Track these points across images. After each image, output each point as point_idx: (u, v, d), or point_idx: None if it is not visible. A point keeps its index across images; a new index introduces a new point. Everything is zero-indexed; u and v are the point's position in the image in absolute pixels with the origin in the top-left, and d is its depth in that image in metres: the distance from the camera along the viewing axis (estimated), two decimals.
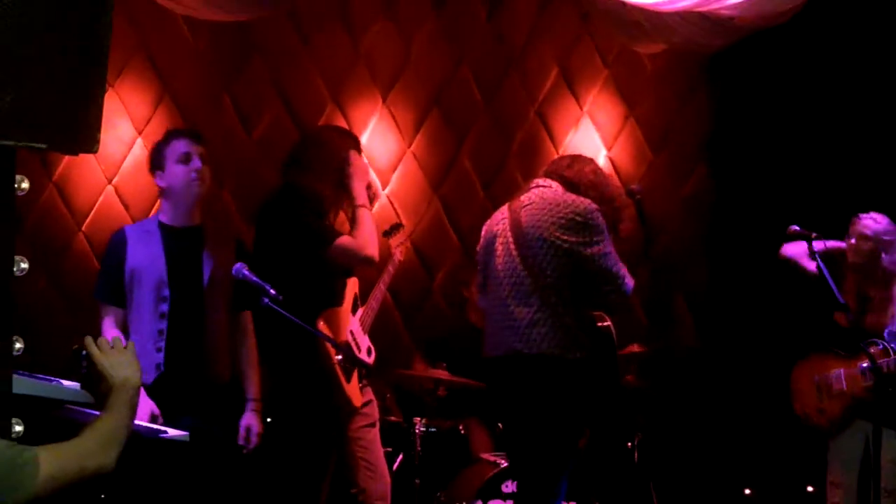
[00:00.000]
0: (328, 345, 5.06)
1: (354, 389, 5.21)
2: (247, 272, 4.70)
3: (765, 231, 5.43)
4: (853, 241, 5.78)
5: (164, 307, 4.90)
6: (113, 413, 3.01)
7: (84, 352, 3.09)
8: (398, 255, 5.84)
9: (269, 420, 5.15)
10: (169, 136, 5.10)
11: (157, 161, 5.06)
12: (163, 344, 4.88)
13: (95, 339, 3.13)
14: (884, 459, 5.46)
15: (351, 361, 5.15)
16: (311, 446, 5.13)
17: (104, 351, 3.09)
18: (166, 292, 4.91)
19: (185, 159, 4.99)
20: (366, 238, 5.11)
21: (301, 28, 6.87)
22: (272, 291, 4.61)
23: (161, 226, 5.03)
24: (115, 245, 5.04)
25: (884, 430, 5.49)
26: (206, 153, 5.06)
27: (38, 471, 2.79)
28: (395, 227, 5.91)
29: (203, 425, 4.75)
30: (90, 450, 2.92)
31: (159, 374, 4.89)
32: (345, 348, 5.10)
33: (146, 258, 4.95)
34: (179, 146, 5.01)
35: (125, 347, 3.12)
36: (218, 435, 4.90)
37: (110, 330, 4.92)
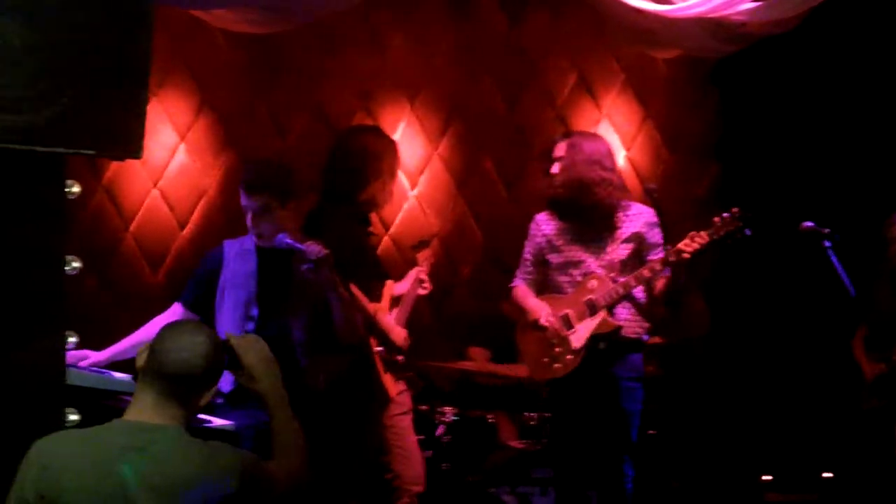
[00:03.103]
0: (371, 336, 5.11)
1: (390, 380, 5.25)
2: (289, 240, 4.66)
3: (774, 228, 5.44)
4: None
5: (251, 326, 4.84)
6: (290, 425, 3.13)
7: (226, 345, 3.14)
8: (426, 267, 5.80)
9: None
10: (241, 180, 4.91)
11: None
12: None
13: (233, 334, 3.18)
14: None
15: (390, 351, 5.20)
16: (347, 430, 5.16)
17: (248, 351, 3.13)
18: (255, 311, 4.86)
19: (245, 213, 4.84)
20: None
21: (330, 41, 6.89)
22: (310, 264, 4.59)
23: (257, 246, 4.94)
24: (212, 258, 4.97)
25: None
26: (263, 202, 4.80)
27: (276, 484, 2.95)
28: (422, 243, 5.90)
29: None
30: (296, 464, 3.07)
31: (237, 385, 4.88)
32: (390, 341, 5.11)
33: (240, 276, 4.89)
34: (241, 196, 4.85)
35: (262, 348, 3.16)
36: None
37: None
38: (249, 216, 4.81)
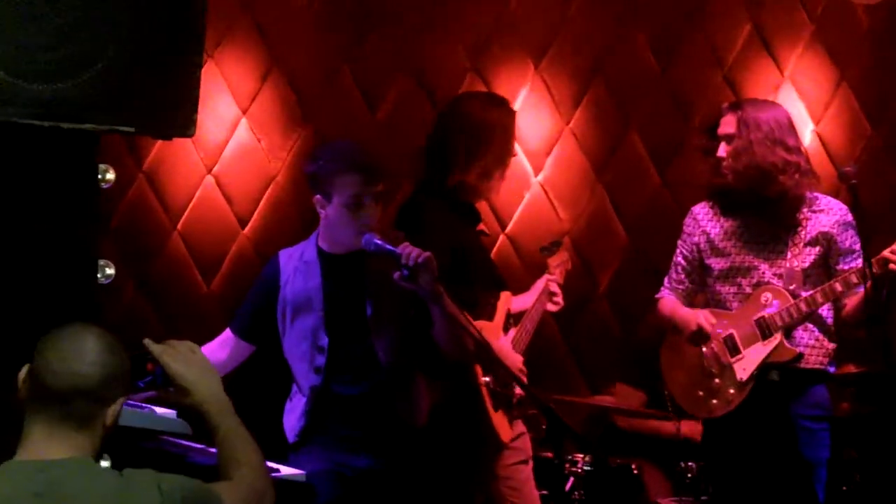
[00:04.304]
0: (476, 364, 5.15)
1: (502, 420, 5.27)
2: (378, 241, 4.72)
3: None
4: None
5: (321, 360, 4.96)
6: (238, 435, 3.18)
7: (149, 355, 3.19)
8: (557, 276, 5.80)
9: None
10: (338, 164, 4.92)
11: (319, 185, 4.96)
12: (309, 407, 4.98)
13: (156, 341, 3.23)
14: None
15: (502, 382, 5.23)
16: (449, 487, 5.20)
17: (175, 358, 3.19)
18: (324, 341, 4.96)
19: (355, 206, 4.87)
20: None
21: None
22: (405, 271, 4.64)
23: (321, 254, 5.04)
24: (266, 276, 5.15)
25: None
26: (382, 190, 4.92)
27: None
28: (554, 245, 5.91)
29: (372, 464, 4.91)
30: (254, 484, 3.13)
31: (303, 427, 5.01)
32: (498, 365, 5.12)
33: (302, 296, 5.00)
34: (349, 185, 4.87)
35: (192, 350, 3.23)
36: (376, 469, 4.94)
37: (219, 352, 5.09)
38: (367, 210, 4.87)
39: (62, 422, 2.89)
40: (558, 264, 5.79)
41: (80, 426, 2.91)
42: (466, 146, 5.33)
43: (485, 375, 5.21)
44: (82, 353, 2.92)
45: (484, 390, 5.20)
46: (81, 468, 2.88)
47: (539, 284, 5.69)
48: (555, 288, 5.68)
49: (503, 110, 5.49)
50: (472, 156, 5.32)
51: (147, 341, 3.19)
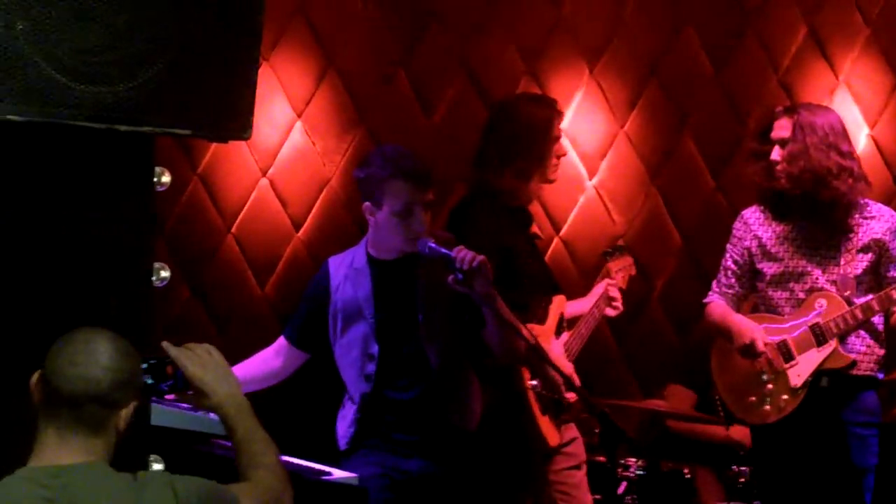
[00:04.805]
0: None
1: (549, 424, 5.26)
2: (433, 244, 4.70)
3: None
4: None
5: (371, 368, 4.93)
6: (256, 437, 3.16)
7: (168, 358, 3.17)
8: (620, 281, 5.76)
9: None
10: (389, 171, 4.87)
11: (369, 191, 4.93)
12: (359, 415, 4.96)
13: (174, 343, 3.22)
14: None
15: (549, 387, 5.20)
16: (499, 491, 5.17)
17: (193, 360, 3.18)
18: (374, 348, 4.94)
19: (405, 214, 4.83)
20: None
21: None
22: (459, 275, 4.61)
23: (371, 261, 5.02)
24: (317, 284, 5.14)
25: None
26: (432, 197, 4.89)
27: None
28: (618, 249, 5.87)
29: (427, 467, 4.90)
30: (272, 485, 3.11)
31: (353, 434, 5.00)
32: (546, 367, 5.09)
33: (352, 304, 4.99)
34: (400, 193, 4.83)
35: (209, 352, 3.22)
36: (427, 473, 4.93)
37: (274, 360, 5.14)
38: (417, 217, 4.83)
39: (74, 427, 2.89)
40: (620, 269, 5.75)
41: (93, 431, 2.90)
42: (502, 146, 5.34)
43: (532, 379, 5.19)
44: (93, 357, 2.91)
45: (531, 394, 5.19)
46: (94, 473, 2.87)
47: (597, 289, 5.65)
48: (614, 293, 5.64)
49: (542, 110, 5.46)
50: (507, 156, 5.33)
51: (165, 344, 3.19)
